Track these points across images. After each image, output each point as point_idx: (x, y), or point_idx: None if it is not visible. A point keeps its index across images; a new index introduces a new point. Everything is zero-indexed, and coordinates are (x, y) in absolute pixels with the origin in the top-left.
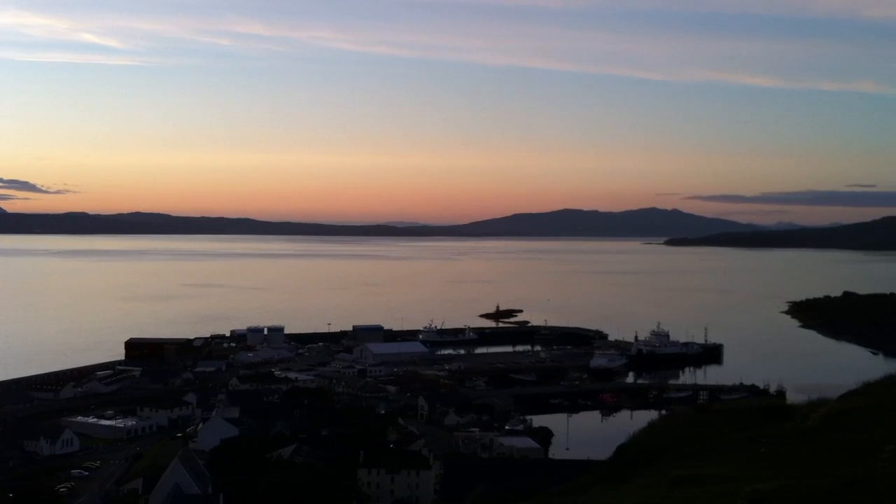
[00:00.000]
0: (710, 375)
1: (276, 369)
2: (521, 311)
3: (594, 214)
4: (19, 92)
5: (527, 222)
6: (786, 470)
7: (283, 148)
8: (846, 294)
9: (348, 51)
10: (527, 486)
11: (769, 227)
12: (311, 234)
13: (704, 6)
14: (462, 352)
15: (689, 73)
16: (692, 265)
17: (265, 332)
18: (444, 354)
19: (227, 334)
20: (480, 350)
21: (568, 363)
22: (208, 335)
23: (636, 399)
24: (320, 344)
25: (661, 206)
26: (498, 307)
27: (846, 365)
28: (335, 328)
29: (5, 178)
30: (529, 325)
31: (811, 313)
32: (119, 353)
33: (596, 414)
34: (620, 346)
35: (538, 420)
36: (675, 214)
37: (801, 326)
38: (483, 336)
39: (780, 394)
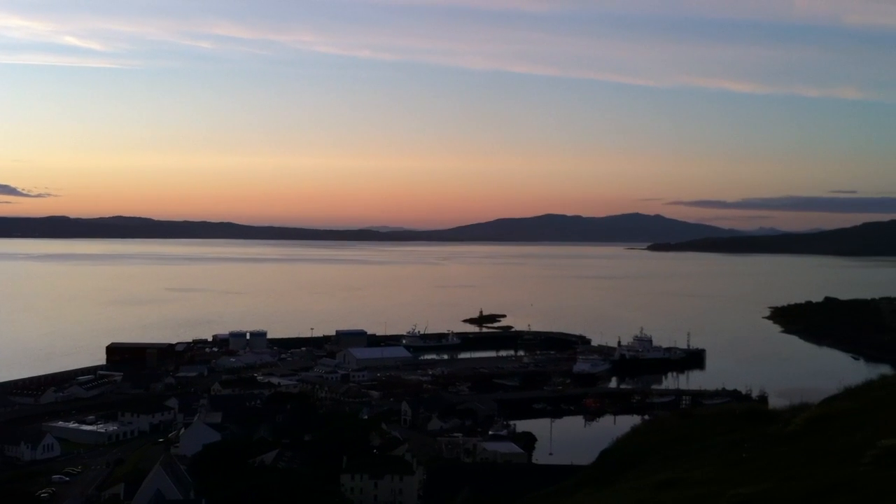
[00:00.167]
0: (692, 380)
1: (259, 374)
2: (504, 315)
3: (577, 219)
4: None
5: (510, 227)
6: (769, 473)
7: (264, 151)
8: (827, 299)
9: (330, 54)
10: (510, 491)
11: (751, 233)
12: (293, 239)
13: (687, 12)
14: (445, 357)
15: (671, 79)
16: (674, 270)
17: (248, 336)
18: (427, 359)
19: (210, 339)
20: (464, 355)
21: (551, 368)
22: (190, 340)
23: (619, 404)
24: (303, 349)
25: (643, 211)
26: (481, 312)
27: (827, 369)
28: (318, 333)
29: None
30: (513, 329)
31: (793, 318)
32: (100, 358)
33: (579, 419)
34: (603, 350)
35: (521, 425)
36: (658, 220)
37: (783, 331)
38: (466, 341)
39: (763, 398)
